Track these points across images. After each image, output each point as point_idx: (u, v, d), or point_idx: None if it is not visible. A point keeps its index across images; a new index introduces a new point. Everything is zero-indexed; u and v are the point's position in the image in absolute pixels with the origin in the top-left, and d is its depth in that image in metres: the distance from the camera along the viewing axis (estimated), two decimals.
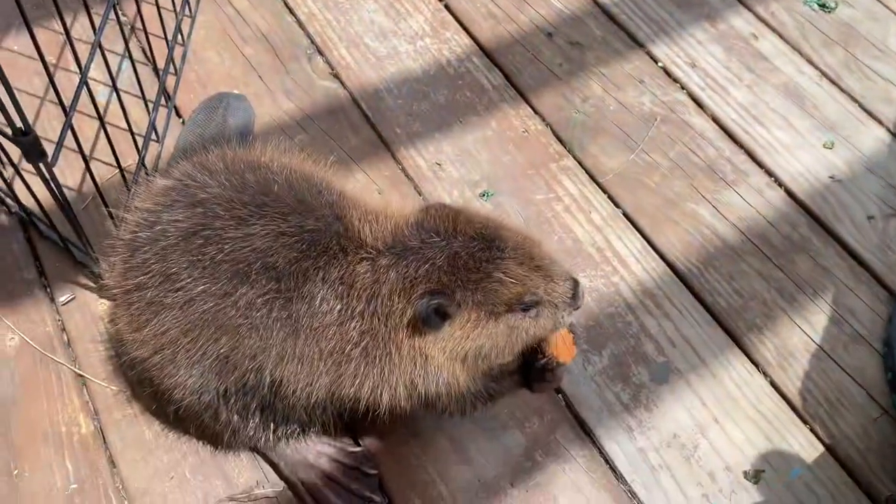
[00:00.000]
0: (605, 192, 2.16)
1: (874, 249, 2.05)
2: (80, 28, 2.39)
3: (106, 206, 1.87)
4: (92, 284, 1.91)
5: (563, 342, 1.56)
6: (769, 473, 1.72)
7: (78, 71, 1.70)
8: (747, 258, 2.03)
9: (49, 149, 1.51)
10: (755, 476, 1.71)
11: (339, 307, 1.34)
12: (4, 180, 1.88)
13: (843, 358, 1.87)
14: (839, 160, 2.23)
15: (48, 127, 2.17)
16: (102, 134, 2.04)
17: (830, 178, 2.19)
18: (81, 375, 1.79)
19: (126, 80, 2.27)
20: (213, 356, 1.39)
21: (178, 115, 2.25)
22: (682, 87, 2.39)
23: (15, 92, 1.40)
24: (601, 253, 2.04)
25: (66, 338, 1.84)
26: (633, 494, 1.68)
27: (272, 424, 1.56)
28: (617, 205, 2.13)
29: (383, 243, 1.35)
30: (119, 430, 1.72)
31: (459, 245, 1.33)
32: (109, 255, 1.57)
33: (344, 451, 1.66)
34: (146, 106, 2.12)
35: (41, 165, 1.53)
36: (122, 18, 2.43)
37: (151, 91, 2.22)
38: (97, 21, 1.73)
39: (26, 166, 1.89)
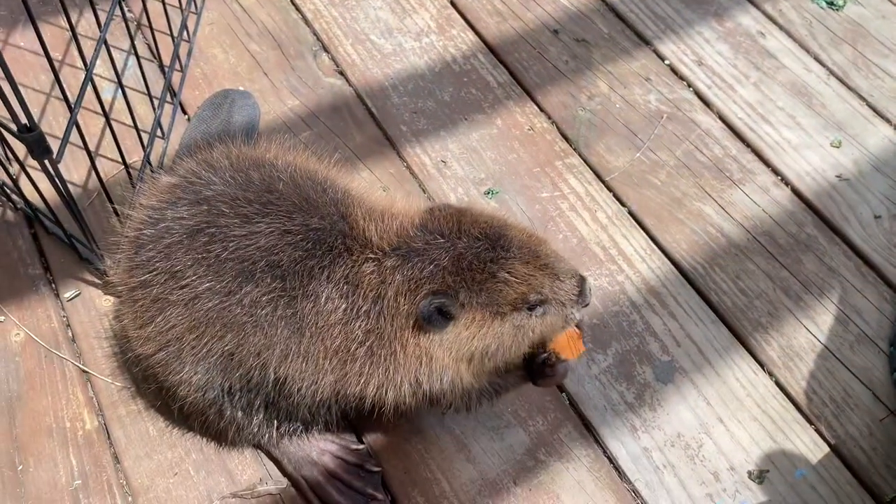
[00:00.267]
0: (610, 190, 2.15)
1: (881, 249, 2.04)
2: (86, 24, 2.39)
3: (111, 202, 1.87)
4: (97, 281, 1.91)
5: (569, 339, 1.55)
6: (773, 473, 1.71)
7: (83, 67, 1.70)
8: (753, 257, 2.03)
9: (54, 145, 1.51)
10: (759, 476, 1.71)
11: (344, 306, 1.34)
12: (10, 176, 1.88)
13: (848, 358, 1.87)
14: (846, 159, 2.22)
15: (54, 123, 2.18)
16: (108, 130, 2.04)
17: (837, 177, 2.18)
18: (86, 371, 1.79)
19: (131, 76, 2.27)
20: (218, 353, 1.40)
21: (184, 111, 2.25)
22: (689, 85, 2.38)
23: (20, 88, 1.40)
24: (606, 251, 2.03)
25: (70, 334, 1.85)
26: (637, 493, 1.68)
27: (276, 421, 1.56)
28: (622, 203, 2.13)
29: (389, 244, 1.36)
30: (123, 426, 1.72)
31: (464, 246, 1.33)
32: (114, 252, 1.57)
33: (347, 449, 1.67)
34: (151, 102, 2.12)
35: (46, 162, 1.53)
36: (128, 15, 2.43)
37: (157, 88, 2.22)
38: (102, 17, 1.72)
39: (32, 163, 1.91)
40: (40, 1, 2.40)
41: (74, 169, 2.09)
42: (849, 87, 2.37)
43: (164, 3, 2.22)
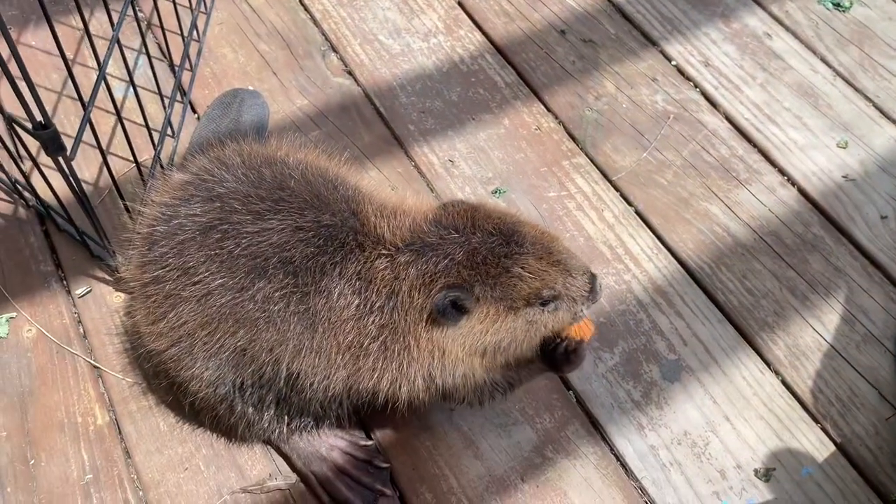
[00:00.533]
0: (617, 189, 2.16)
1: (887, 249, 2.05)
2: (97, 24, 2.41)
3: (122, 199, 1.88)
4: (108, 277, 1.92)
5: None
6: (780, 472, 1.72)
7: (96, 66, 1.72)
8: (760, 257, 2.03)
9: (67, 143, 1.53)
10: (766, 474, 1.71)
11: (356, 302, 1.35)
12: (23, 173, 1.90)
13: (855, 357, 1.87)
14: (853, 160, 2.22)
15: (66, 122, 2.20)
16: (119, 129, 2.05)
17: (844, 177, 2.19)
18: (97, 367, 1.81)
19: (142, 75, 2.29)
20: (231, 349, 1.41)
21: (194, 110, 2.27)
22: (696, 86, 2.39)
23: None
24: (613, 251, 2.04)
25: (82, 330, 1.86)
26: (644, 491, 1.69)
27: (286, 417, 1.57)
28: (629, 203, 2.14)
29: (402, 240, 1.37)
30: (134, 421, 1.74)
31: (478, 241, 1.35)
32: (127, 248, 1.58)
33: (356, 445, 1.68)
34: (162, 101, 2.14)
35: (60, 159, 1.54)
36: (139, 15, 2.45)
37: (167, 87, 2.24)
38: (115, 17, 1.74)
39: (44, 160, 1.92)
40: (52, 0, 2.42)
41: (86, 167, 2.11)
42: (855, 88, 2.38)
43: (174, 3, 2.23)
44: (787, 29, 2.52)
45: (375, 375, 1.40)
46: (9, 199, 2.05)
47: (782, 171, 2.20)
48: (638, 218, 2.11)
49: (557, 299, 1.39)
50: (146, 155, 2.10)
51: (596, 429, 1.77)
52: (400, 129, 2.26)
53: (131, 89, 1.89)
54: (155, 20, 2.41)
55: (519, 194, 2.13)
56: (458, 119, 2.28)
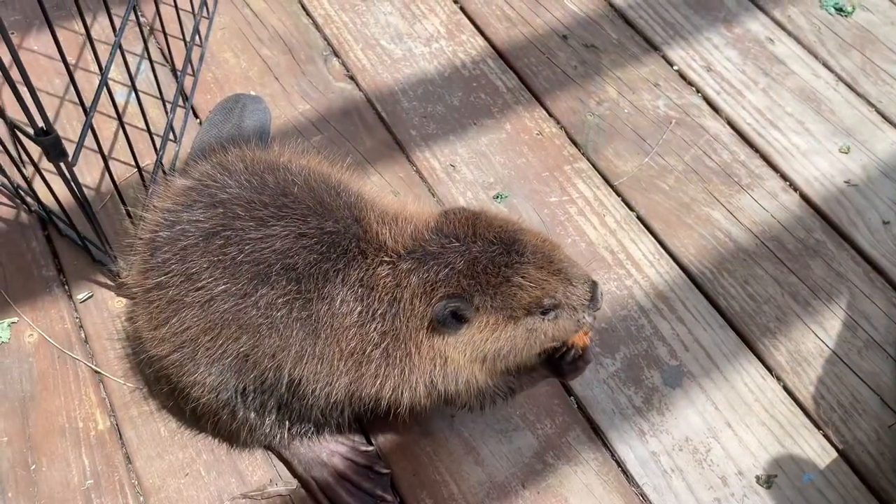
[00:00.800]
0: (619, 195, 2.16)
1: (889, 254, 2.04)
2: (99, 29, 2.41)
3: (124, 205, 1.89)
4: (110, 282, 1.93)
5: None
6: (781, 478, 1.71)
7: (98, 71, 1.72)
8: (761, 262, 2.03)
9: (68, 148, 1.53)
10: (767, 481, 1.71)
11: (359, 309, 1.35)
12: (25, 179, 1.90)
13: (857, 363, 1.87)
14: (855, 165, 2.22)
15: (67, 126, 2.20)
16: (121, 134, 2.06)
17: (846, 182, 2.18)
18: (98, 372, 1.81)
19: (144, 80, 2.29)
20: (233, 355, 1.41)
21: (196, 115, 2.27)
22: (698, 91, 2.39)
23: (36, 92, 1.42)
24: (614, 256, 2.04)
25: (83, 335, 1.86)
26: (645, 497, 1.69)
27: (288, 423, 1.57)
28: (631, 208, 2.14)
29: (404, 247, 1.37)
30: (135, 426, 1.74)
31: (478, 250, 1.35)
32: (129, 254, 1.58)
33: (357, 450, 1.68)
34: (164, 106, 2.14)
35: (62, 165, 1.54)
36: (142, 19, 2.45)
37: (169, 92, 2.24)
38: (117, 22, 1.74)
39: (46, 165, 1.92)
40: (54, 5, 2.43)
41: (88, 172, 2.11)
42: (857, 93, 2.38)
43: (176, 8, 2.24)
44: (790, 34, 2.52)
45: (378, 382, 1.40)
46: (11, 203, 2.05)
47: (784, 177, 2.20)
48: (639, 223, 2.11)
49: (558, 308, 1.39)
50: (148, 160, 2.11)
51: (597, 435, 1.77)
52: (402, 133, 2.26)
53: (133, 94, 1.89)
54: (157, 25, 2.42)
55: (520, 199, 2.13)
56: (459, 124, 2.28)
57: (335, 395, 1.42)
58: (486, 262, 1.34)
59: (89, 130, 1.63)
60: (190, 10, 2.35)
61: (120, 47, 1.74)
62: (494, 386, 1.53)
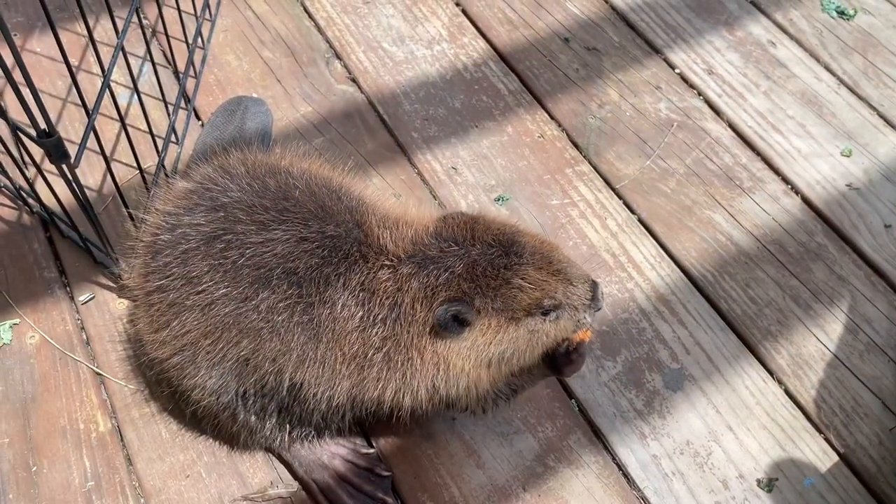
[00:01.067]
0: (620, 197, 2.16)
1: (891, 258, 2.04)
2: (101, 30, 2.41)
3: (126, 206, 1.89)
4: (111, 284, 1.93)
5: None
6: (783, 482, 1.71)
7: (100, 73, 1.72)
8: (763, 266, 2.03)
9: (71, 150, 1.53)
10: (768, 484, 1.71)
11: (360, 313, 1.35)
12: (27, 180, 1.90)
13: (858, 367, 1.87)
14: (856, 168, 2.22)
15: (70, 128, 2.20)
16: (123, 135, 2.06)
17: (847, 186, 2.18)
18: (100, 374, 1.81)
19: (146, 82, 2.30)
20: (234, 358, 1.41)
21: (198, 117, 2.27)
22: (699, 94, 2.39)
23: (38, 94, 1.42)
24: (616, 259, 2.04)
25: (85, 336, 1.86)
26: (646, 501, 1.69)
27: (288, 426, 1.57)
28: (632, 211, 2.14)
29: (404, 251, 1.37)
30: (136, 428, 1.74)
31: (477, 253, 1.35)
32: (129, 256, 1.59)
33: (357, 453, 1.68)
34: (166, 108, 2.14)
35: (64, 166, 1.55)
36: (144, 22, 2.46)
37: (171, 94, 2.25)
38: (119, 24, 1.74)
39: (48, 167, 1.93)
40: (57, 7, 2.43)
41: (90, 173, 2.12)
42: (859, 97, 2.37)
43: (179, 11, 2.24)
44: (791, 37, 2.52)
45: (380, 385, 1.40)
46: (13, 205, 2.05)
47: (786, 180, 2.20)
48: (641, 226, 2.11)
49: (559, 308, 1.39)
50: (150, 162, 2.11)
51: (598, 438, 1.77)
52: (403, 136, 2.26)
53: (135, 96, 1.90)
54: (160, 27, 2.42)
55: (522, 202, 2.13)
56: (461, 126, 2.29)
57: (337, 398, 1.43)
58: (485, 264, 1.34)
59: (91, 132, 1.63)
60: (192, 12, 2.36)
61: (122, 49, 1.75)
62: (496, 388, 1.53)
